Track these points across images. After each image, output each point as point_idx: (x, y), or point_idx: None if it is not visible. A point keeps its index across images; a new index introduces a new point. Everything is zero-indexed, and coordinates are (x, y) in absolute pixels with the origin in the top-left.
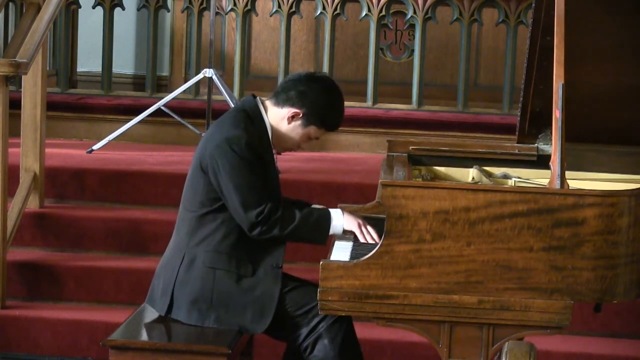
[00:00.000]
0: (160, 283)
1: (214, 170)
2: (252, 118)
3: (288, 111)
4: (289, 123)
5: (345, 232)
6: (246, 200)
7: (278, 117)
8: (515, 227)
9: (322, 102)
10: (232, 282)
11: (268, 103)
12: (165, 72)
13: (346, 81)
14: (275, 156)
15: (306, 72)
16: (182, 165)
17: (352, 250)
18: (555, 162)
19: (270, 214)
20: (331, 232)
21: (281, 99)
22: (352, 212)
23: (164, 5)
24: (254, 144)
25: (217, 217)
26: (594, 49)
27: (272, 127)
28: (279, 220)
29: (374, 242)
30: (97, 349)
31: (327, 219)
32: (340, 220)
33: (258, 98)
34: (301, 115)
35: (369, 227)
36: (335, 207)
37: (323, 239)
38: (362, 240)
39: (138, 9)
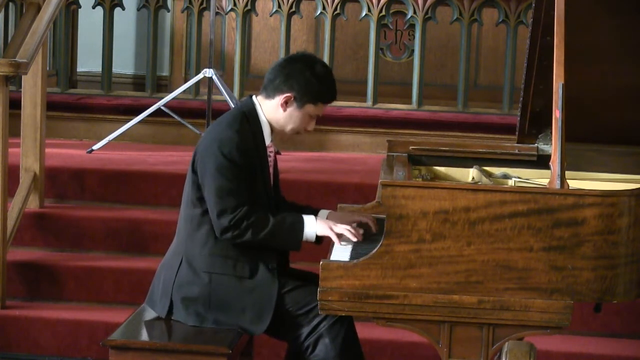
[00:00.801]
0: (160, 284)
1: (201, 170)
2: (249, 118)
3: (279, 99)
4: (284, 110)
5: (319, 237)
6: (223, 203)
7: (272, 108)
8: (515, 227)
9: (308, 78)
10: (230, 286)
11: (260, 99)
12: (165, 72)
13: (346, 81)
14: (271, 155)
15: (285, 56)
16: (182, 165)
17: (352, 250)
18: (555, 162)
19: (242, 219)
20: (304, 238)
21: (270, 90)
22: (328, 217)
23: (164, 5)
24: (246, 147)
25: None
26: (594, 49)
27: (270, 121)
28: (251, 226)
29: (351, 241)
30: (97, 349)
31: (300, 225)
32: (312, 227)
33: (254, 97)
34: (293, 98)
35: (340, 225)
36: (335, 207)
37: (296, 245)
38: (337, 244)
39: (138, 9)
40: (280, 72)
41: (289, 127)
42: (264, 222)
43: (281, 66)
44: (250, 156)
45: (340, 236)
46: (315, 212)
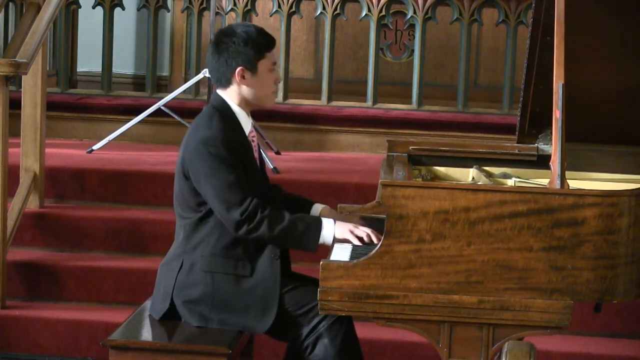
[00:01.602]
0: (160, 289)
1: (194, 175)
2: (223, 113)
3: (235, 79)
4: (247, 84)
5: (337, 240)
6: (228, 200)
7: (237, 91)
8: (515, 227)
9: (240, 44)
10: (232, 285)
11: (222, 92)
12: (165, 72)
13: (346, 81)
14: (254, 141)
15: (209, 46)
16: None
17: (352, 250)
18: (555, 162)
19: (255, 211)
20: (321, 240)
21: (222, 79)
22: (345, 219)
23: (164, 5)
24: (231, 141)
25: (209, 220)
26: (594, 49)
27: (245, 101)
28: (266, 219)
29: (371, 244)
30: (97, 349)
31: (318, 226)
32: (331, 230)
33: (218, 92)
34: (244, 68)
35: (361, 228)
36: (335, 207)
37: (312, 246)
38: (356, 244)
39: (138, 9)
40: (216, 60)
41: (262, 93)
42: (280, 216)
43: (213, 55)
44: (237, 151)
45: (361, 240)
46: (308, 204)
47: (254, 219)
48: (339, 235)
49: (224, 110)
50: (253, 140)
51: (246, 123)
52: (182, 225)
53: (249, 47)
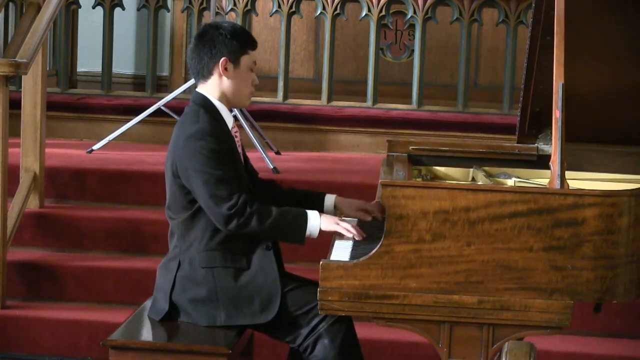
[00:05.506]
0: (160, 291)
1: (183, 170)
2: (206, 109)
3: (218, 70)
4: (227, 76)
5: (323, 233)
6: (215, 194)
7: (217, 83)
8: (515, 227)
9: (226, 36)
10: (232, 279)
11: (202, 87)
12: (165, 72)
13: (346, 81)
14: (237, 137)
15: (192, 40)
16: None
17: (352, 250)
18: (555, 162)
19: (244, 206)
20: (307, 232)
21: (204, 71)
22: (336, 203)
23: (164, 5)
24: (218, 134)
25: (202, 218)
26: (594, 49)
27: (223, 96)
28: (255, 214)
29: (356, 238)
30: (97, 349)
31: (304, 218)
32: (317, 221)
33: (198, 89)
34: (227, 60)
35: (343, 224)
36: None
37: (300, 238)
38: (346, 234)
39: (138, 9)
40: (200, 51)
41: (240, 89)
42: (268, 210)
43: (197, 47)
44: (224, 143)
45: (346, 231)
46: (320, 196)
47: (244, 214)
48: (325, 228)
49: (206, 105)
50: (236, 136)
51: (228, 118)
52: (176, 225)
53: (235, 40)
